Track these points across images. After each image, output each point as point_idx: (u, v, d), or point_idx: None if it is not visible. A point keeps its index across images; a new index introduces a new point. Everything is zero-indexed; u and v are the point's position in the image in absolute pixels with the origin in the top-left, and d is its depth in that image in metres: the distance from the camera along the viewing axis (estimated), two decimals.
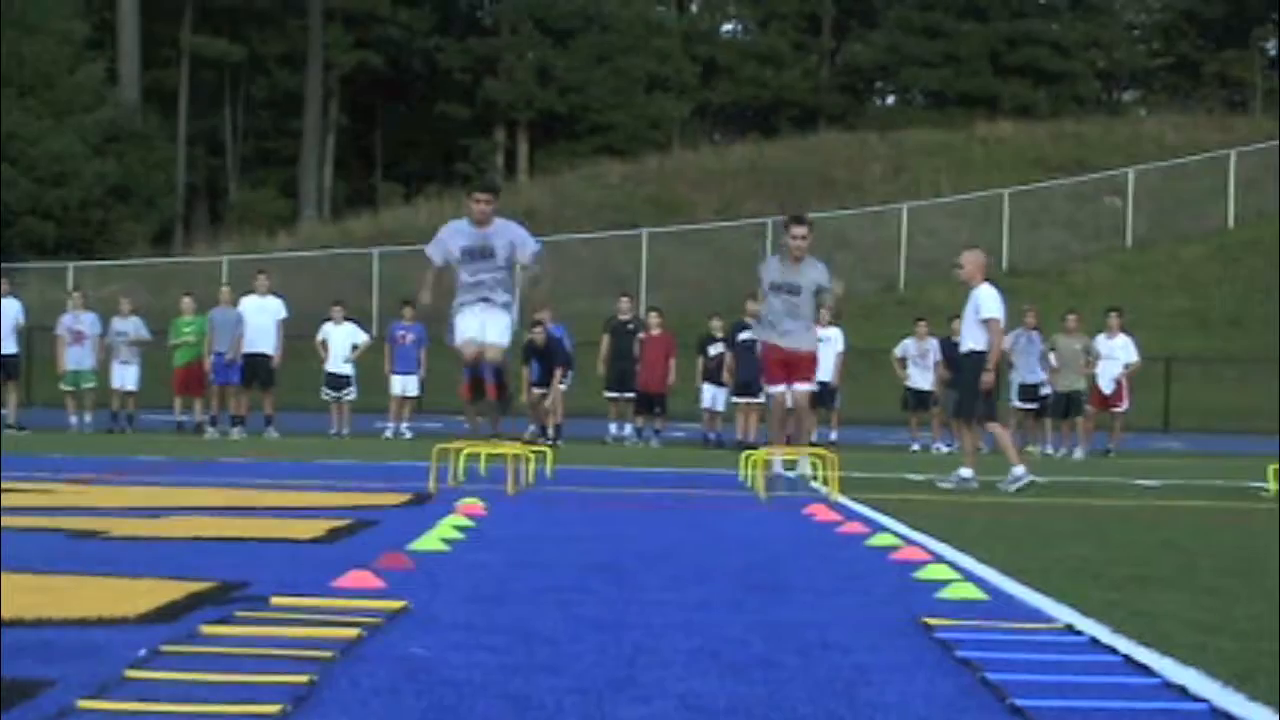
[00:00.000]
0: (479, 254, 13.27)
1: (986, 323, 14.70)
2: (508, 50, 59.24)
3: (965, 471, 14.73)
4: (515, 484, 13.10)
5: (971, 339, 14.84)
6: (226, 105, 59.44)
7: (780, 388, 14.54)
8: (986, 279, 14.91)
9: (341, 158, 60.40)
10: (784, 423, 14.63)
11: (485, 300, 13.29)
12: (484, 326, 13.28)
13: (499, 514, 10.54)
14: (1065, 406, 23.52)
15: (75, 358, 24.13)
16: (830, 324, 21.59)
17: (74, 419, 23.88)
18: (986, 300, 14.68)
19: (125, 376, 24.35)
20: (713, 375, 23.89)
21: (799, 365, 14.60)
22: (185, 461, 16.72)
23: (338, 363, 24.53)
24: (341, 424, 24.32)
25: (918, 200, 46.90)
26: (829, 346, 24.81)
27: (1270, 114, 57.30)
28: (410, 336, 24.56)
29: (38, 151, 47.90)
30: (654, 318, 24.74)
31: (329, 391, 24.60)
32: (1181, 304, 42.02)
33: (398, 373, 24.46)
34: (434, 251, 13.57)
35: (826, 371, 24.70)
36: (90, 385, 24.21)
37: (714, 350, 23.94)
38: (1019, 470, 14.60)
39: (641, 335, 24.15)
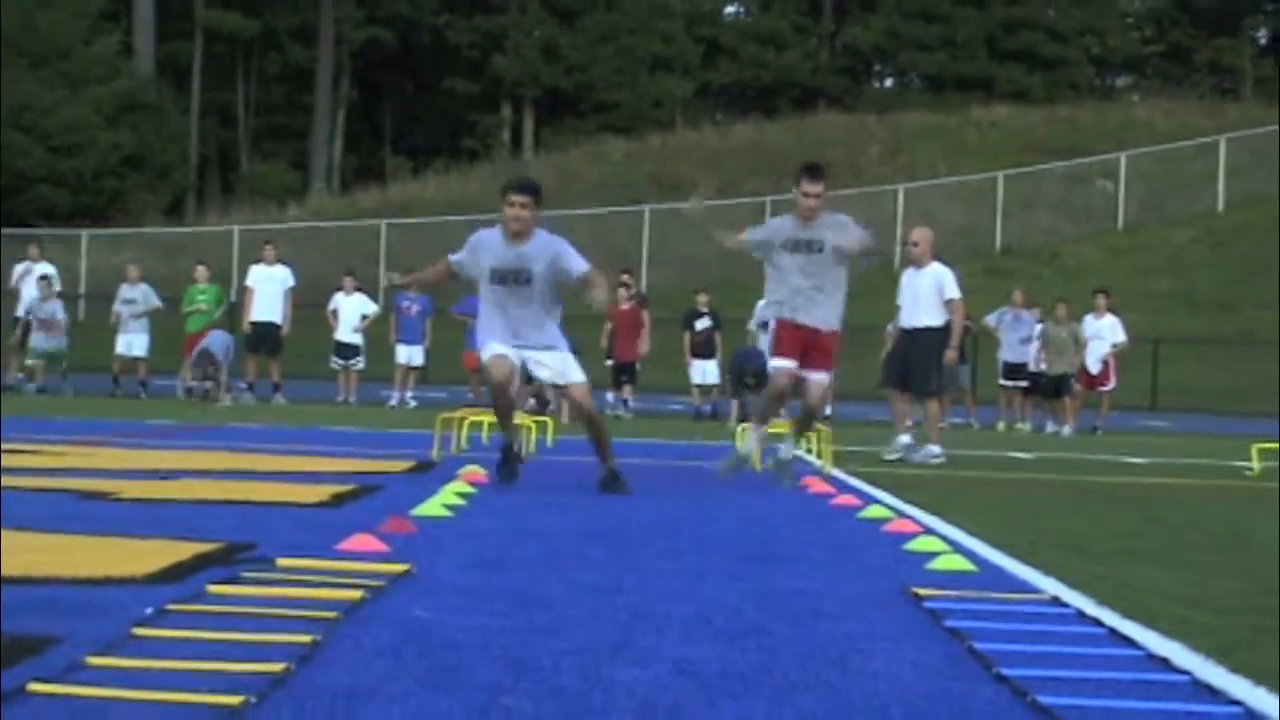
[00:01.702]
0: (511, 277, 10.23)
1: (950, 303, 14.79)
2: (515, 28, 59.16)
3: (934, 448, 14.63)
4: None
5: (929, 316, 14.82)
6: (239, 79, 59.35)
7: (787, 363, 11.53)
8: (935, 257, 15.00)
9: (351, 132, 60.29)
10: (780, 404, 12.02)
11: (521, 330, 10.35)
12: (538, 363, 10.49)
13: (498, 485, 10.54)
14: (1055, 388, 23.61)
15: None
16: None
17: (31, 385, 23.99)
18: (950, 281, 14.86)
19: (133, 343, 24.35)
20: (700, 350, 23.89)
21: (816, 348, 11.58)
22: (194, 425, 16.72)
23: (347, 332, 24.54)
24: (349, 392, 24.35)
25: (914, 182, 46.87)
26: None
27: (1260, 101, 57.26)
28: (415, 307, 24.56)
29: (52, 121, 47.84)
30: (623, 291, 24.74)
31: (338, 360, 24.61)
32: (1170, 286, 42.01)
33: (402, 342, 24.47)
34: (461, 259, 10.65)
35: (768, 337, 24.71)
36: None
37: (700, 325, 23.94)
38: (905, 439, 14.70)
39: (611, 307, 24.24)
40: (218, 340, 22.47)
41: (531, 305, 10.28)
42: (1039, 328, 24.12)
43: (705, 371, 23.95)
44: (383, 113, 62.54)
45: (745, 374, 19.72)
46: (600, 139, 53.91)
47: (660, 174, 49.77)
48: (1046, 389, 23.79)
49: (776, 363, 11.61)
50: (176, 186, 52.95)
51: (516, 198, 10.25)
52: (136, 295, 24.60)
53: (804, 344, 11.53)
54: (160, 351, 25.12)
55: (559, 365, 10.42)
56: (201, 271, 24.96)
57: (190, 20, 56.07)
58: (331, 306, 24.95)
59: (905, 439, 14.74)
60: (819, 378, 11.64)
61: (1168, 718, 3.93)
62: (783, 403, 12.02)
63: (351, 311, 24.68)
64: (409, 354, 24.54)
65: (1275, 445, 15.00)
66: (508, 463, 10.38)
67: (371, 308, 25.03)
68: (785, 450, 11.66)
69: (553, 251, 10.32)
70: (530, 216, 10.25)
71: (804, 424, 12.03)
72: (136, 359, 24.39)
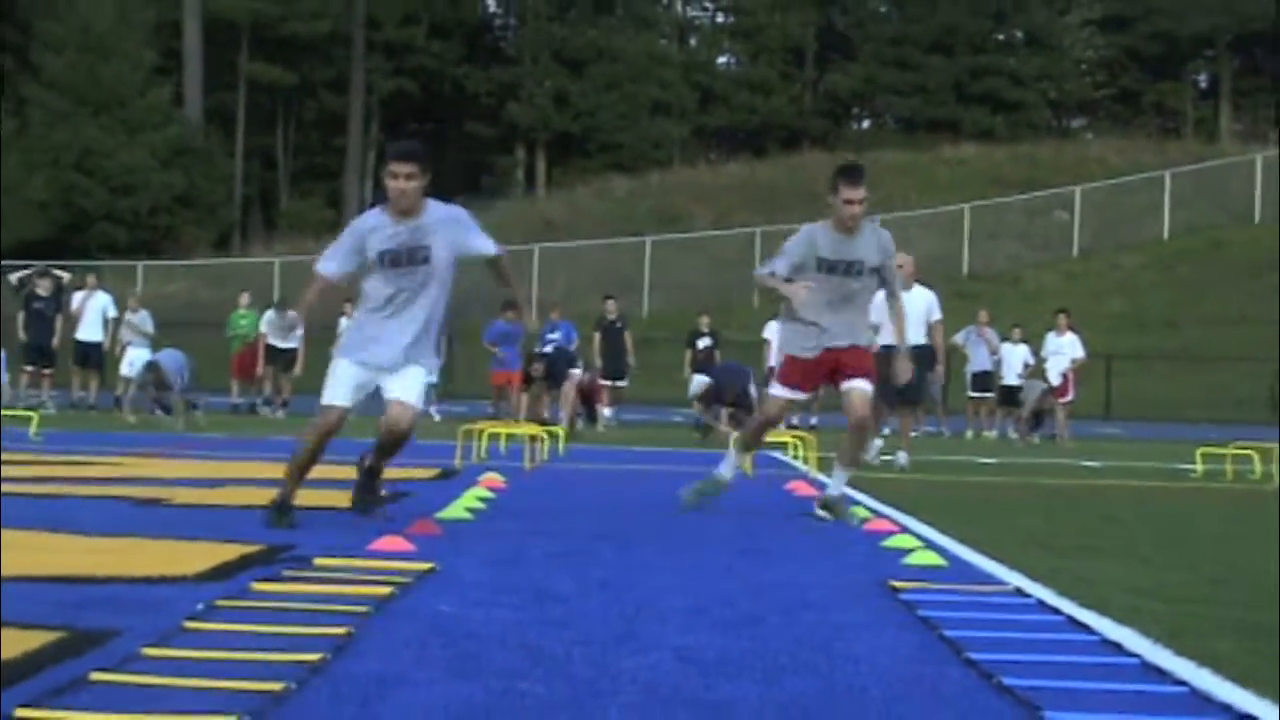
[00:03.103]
0: (405, 258, 7.76)
1: (936, 324, 14.72)
2: (528, 78, 59.22)
3: (902, 456, 14.45)
4: (532, 461, 13.08)
5: (916, 335, 14.64)
6: (279, 125, 59.39)
7: (791, 393, 9.18)
8: (917, 280, 14.91)
9: (380, 172, 60.22)
10: (765, 433, 9.94)
11: (397, 322, 7.79)
12: (382, 381, 7.79)
13: (517, 487, 10.54)
14: (1006, 396, 24.03)
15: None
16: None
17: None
18: (936, 304, 14.73)
19: (135, 363, 24.11)
20: (701, 366, 23.89)
21: (847, 358, 8.99)
22: (239, 438, 16.71)
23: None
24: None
25: (890, 213, 46.82)
26: None
27: (1200, 138, 57.27)
28: None
29: (112, 164, 47.92)
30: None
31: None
32: (1121, 307, 41.96)
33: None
34: (330, 265, 8.06)
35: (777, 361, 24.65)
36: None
37: (702, 344, 23.92)
38: (879, 443, 14.63)
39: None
40: (171, 359, 20.26)
41: (426, 291, 7.76)
42: (1005, 345, 24.33)
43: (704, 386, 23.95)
44: None
45: (725, 392, 19.53)
46: (606, 177, 53.94)
47: (660, 208, 49.76)
48: (1000, 396, 24.16)
49: (779, 390, 9.19)
50: (223, 222, 52.98)
51: (400, 167, 7.73)
52: (136, 321, 24.31)
53: (830, 365, 9.01)
54: (210, 369, 25.07)
55: (405, 382, 7.78)
56: (244, 298, 24.92)
57: (235, 73, 56.16)
58: (340, 330, 24.84)
59: (903, 457, 14.42)
60: (860, 385, 8.92)
61: (1120, 697, 3.93)
62: (768, 431, 9.92)
63: None
64: None
65: (1217, 449, 14.98)
66: (282, 516, 7.70)
67: None
68: (833, 487, 9.15)
69: (454, 222, 7.92)
70: (418, 187, 7.77)
71: (854, 447, 9.28)
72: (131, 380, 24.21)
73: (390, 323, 7.79)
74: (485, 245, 8.03)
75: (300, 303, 8.38)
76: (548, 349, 21.95)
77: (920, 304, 14.56)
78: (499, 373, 22.74)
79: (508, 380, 22.43)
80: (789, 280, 8.94)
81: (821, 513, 8.87)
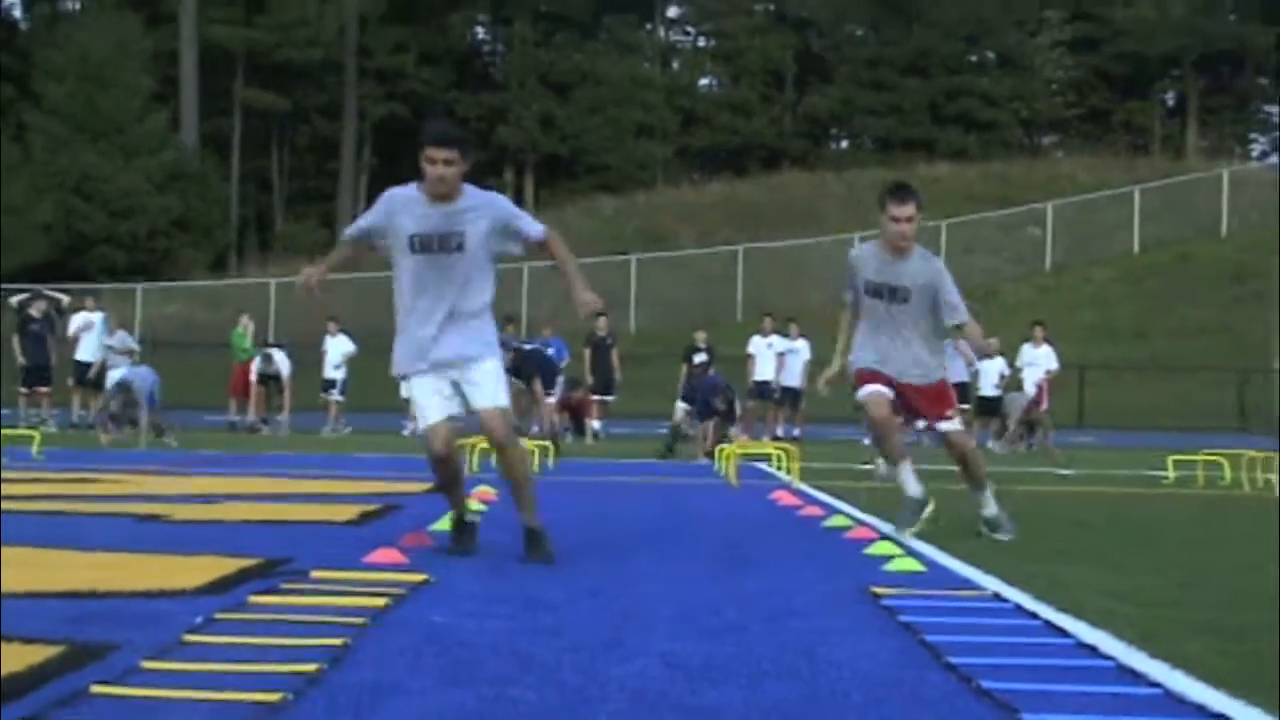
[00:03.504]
0: (437, 244, 6.88)
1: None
2: (516, 102, 59.27)
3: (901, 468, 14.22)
4: None
5: None
6: (274, 149, 59.35)
7: (877, 387, 8.34)
8: None
9: (373, 194, 60.22)
10: (891, 432, 8.53)
11: (439, 316, 6.91)
12: (458, 384, 6.96)
13: (508, 500, 10.50)
14: (984, 407, 24.04)
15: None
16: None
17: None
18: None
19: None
20: (689, 396, 23.86)
21: (923, 398, 8.43)
22: (237, 454, 16.68)
23: (329, 368, 24.33)
24: (334, 421, 23.80)
25: (868, 230, 46.90)
26: (797, 357, 24.83)
27: (1167, 155, 57.43)
28: None
29: (111, 189, 47.87)
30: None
31: (322, 394, 24.35)
32: (1093, 319, 42.04)
33: None
34: (353, 229, 7.39)
35: (795, 377, 24.69)
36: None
37: (698, 359, 23.92)
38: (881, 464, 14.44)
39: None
40: (142, 377, 19.76)
41: (460, 283, 6.89)
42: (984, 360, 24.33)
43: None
44: (401, 177, 62.33)
45: (715, 395, 19.38)
46: (592, 197, 53.98)
47: (645, 227, 49.80)
48: (978, 408, 24.12)
49: (866, 390, 8.34)
50: (219, 244, 52.91)
51: (438, 153, 6.81)
52: (114, 342, 24.12)
53: (907, 397, 8.39)
54: (204, 387, 25.03)
55: (484, 383, 6.96)
56: (244, 319, 24.90)
57: (230, 99, 56.12)
58: (323, 347, 24.78)
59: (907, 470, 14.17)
60: (951, 427, 8.44)
61: (1096, 699, 3.92)
62: (893, 430, 8.52)
63: (334, 351, 24.49)
64: None
65: (1188, 456, 15.00)
66: (461, 536, 7.34)
67: (351, 348, 24.58)
68: (987, 509, 8.52)
69: (494, 208, 7.00)
70: (458, 173, 6.87)
71: (972, 474, 8.59)
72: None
73: (431, 319, 6.90)
74: (530, 228, 7.00)
75: (321, 264, 7.43)
76: (526, 346, 21.70)
77: None
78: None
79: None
80: (848, 341, 8.60)
81: (986, 531, 8.44)
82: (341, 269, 7.66)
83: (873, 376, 8.34)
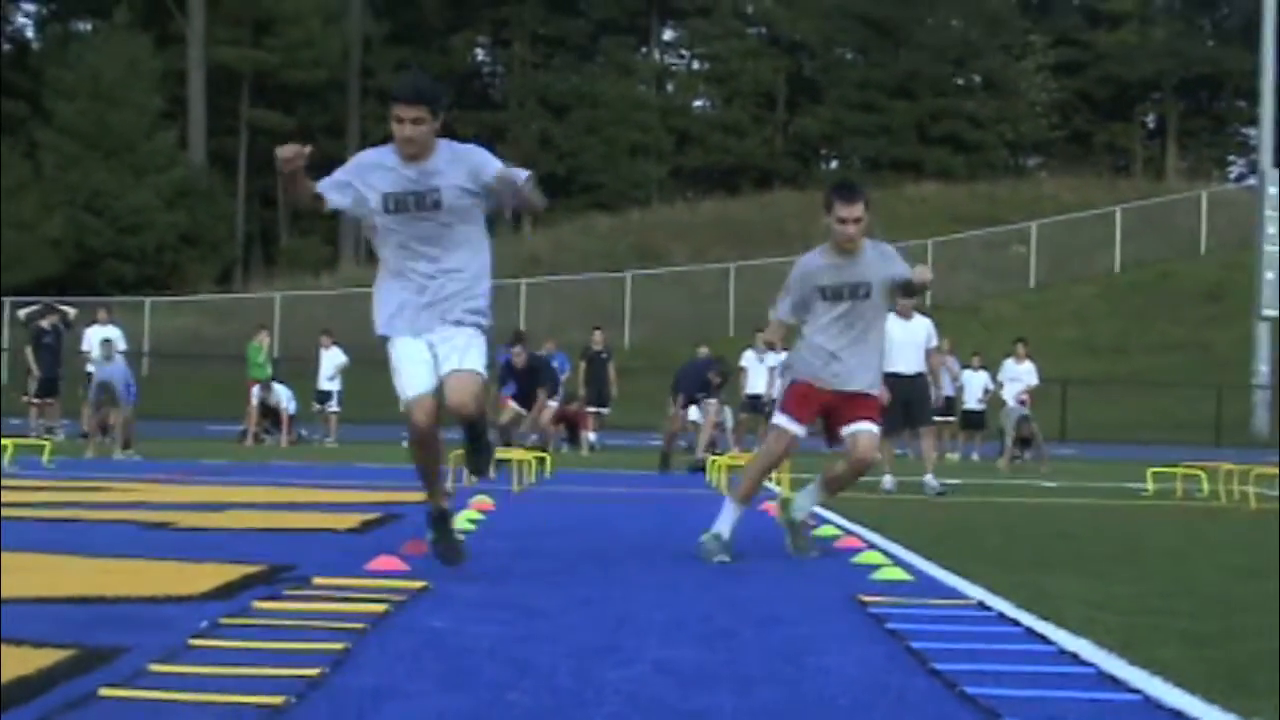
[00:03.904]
0: (412, 202, 6.32)
1: (932, 352, 14.59)
2: (515, 122, 59.35)
3: (930, 480, 13.95)
4: (520, 484, 13.07)
5: (919, 363, 14.32)
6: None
7: (793, 426, 7.78)
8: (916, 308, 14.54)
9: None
10: (767, 472, 8.19)
11: (422, 278, 6.34)
12: (436, 349, 6.32)
13: (506, 509, 10.52)
14: (968, 421, 24.17)
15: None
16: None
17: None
18: (934, 332, 14.49)
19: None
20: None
21: (855, 402, 7.79)
22: (243, 464, 16.66)
23: (324, 380, 24.28)
24: (329, 431, 23.77)
25: None
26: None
27: (1148, 176, 57.55)
28: None
29: (120, 205, 47.89)
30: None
31: (316, 405, 24.30)
32: (1075, 335, 42.08)
33: None
34: (336, 179, 6.54)
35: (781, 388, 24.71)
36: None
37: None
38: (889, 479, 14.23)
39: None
40: (118, 373, 19.47)
41: (442, 243, 6.32)
42: (966, 372, 24.43)
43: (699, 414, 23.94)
44: None
45: (709, 370, 19.03)
46: (588, 215, 54.00)
47: (639, 244, 49.81)
48: (962, 420, 24.29)
49: (782, 420, 7.80)
50: (226, 259, 52.92)
51: (406, 110, 6.22)
52: (86, 345, 23.98)
53: (836, 402, 7.79)
54: (213, 400, 25.00)
55: (459, 346, 6.29)
56: (262, 336, 24.83)
57: (236, 118, 56.15)
58: (319, 360, 24.75)
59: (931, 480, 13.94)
60: (868, 428, 7.77)
61: (1077, 705, 3.93)
62: (769, 471, 8.25)
63: (328, 363, 24.45)
64: None
65: (1167, 469, 15.01)
66: (442, 534, 6.55)
67: (343, 359, 24.50)
68: (799, 506, 8.17)
69: (471, 160, 6.38)
70: (429, 131, 6.27)
71: (844, 484, 8.12)
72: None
73: (412, 281, 6.32)
74: (515, 170, 6.30)
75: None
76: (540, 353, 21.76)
77: (920, 333, 14.27)
78: (506, 398, 22.72)
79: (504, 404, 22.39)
80: (796, 321, 7.87)
81: (784, 528, 8.02)
82: (310, 198, 6.45)
83: (803, 399, 7.75)
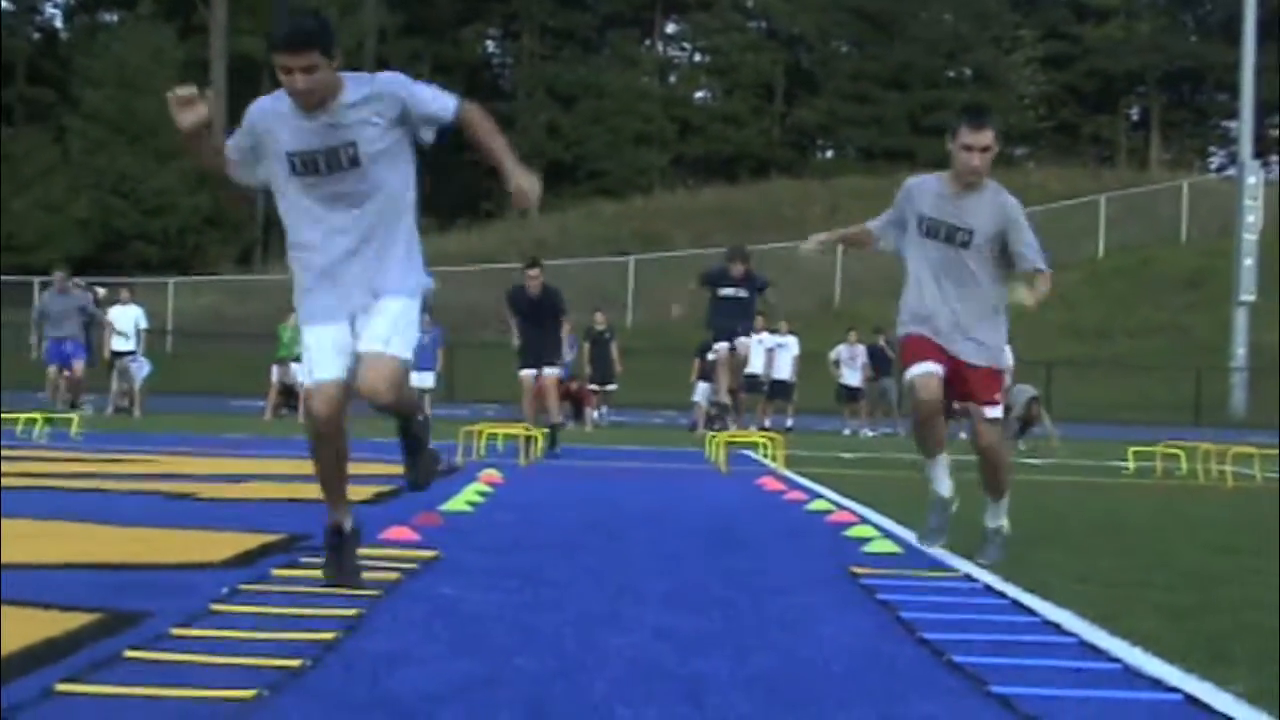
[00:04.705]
0: (322, 162, 5.01)
1: None
2: (523, 111, 59.26)
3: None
4: (527, 458, 13.07)
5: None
6: None
7: (930, 366, 6.36)
8: None
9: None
10: (934, 430, 6.57)
11: (355, 255, 5.04)
12: (356, 326, 5.06)
13: (514, 482, 10.53)
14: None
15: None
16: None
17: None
18: None
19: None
20: (707, 375, 23.88)
21: (971, 381, 6.48)
22: (263, 438, 16.68)
23: None
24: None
25: None
26: (786, 352, 24.83)
27: (1131, 166, 57.44)
28: (426, 339, 24.27)
29: (145, 188, 47.89)
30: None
31: None
32: (1060, 318, 42.03)
33: (415, 369, 23.98)
34: (234, 144, 5.25)
35: (785, 371, 24.72)
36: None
37: (711, 356, 23.92)
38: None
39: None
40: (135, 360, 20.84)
41: (362, 204, 4.99)
42: None
43: (707, 393, 23.96)
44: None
45: (729, 264, 18.19)
46: (593, 201, 53.95)
47: (642, 230, 49.78)
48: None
49: (916, 369, 6.37)
50: (246, 241, 52.92)
51: (293, 60, 4.86)
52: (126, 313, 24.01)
53: (950, 364, 6.41)
54: (236, 377, 24.99)
55: (381, 322, 5.00)
56: (294, 318, 24.78)
57: None
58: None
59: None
60: (978, 412, 6.53)
61: (1060, 672, 3.94)
62: (939, 418, 6.54)
63: None
64: (421, 378, 24.19)
65: (1147, 448, 15.01)
66: (336, 558, 5.15)
67: None
68: (999, 520, 6.75)
69: (387, 98, 4.99)
70: (325, 78, 4.91)
71: (990, 477, 6.77)
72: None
73: (329, 254, 5.00)
74: (440, 108, 5.06)
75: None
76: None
77: None
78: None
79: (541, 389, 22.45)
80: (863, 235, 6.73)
81: (984, 543, 6.63)
82: (209, 151, 5.26)
83: (921, 347, 6.37)
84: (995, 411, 6.58)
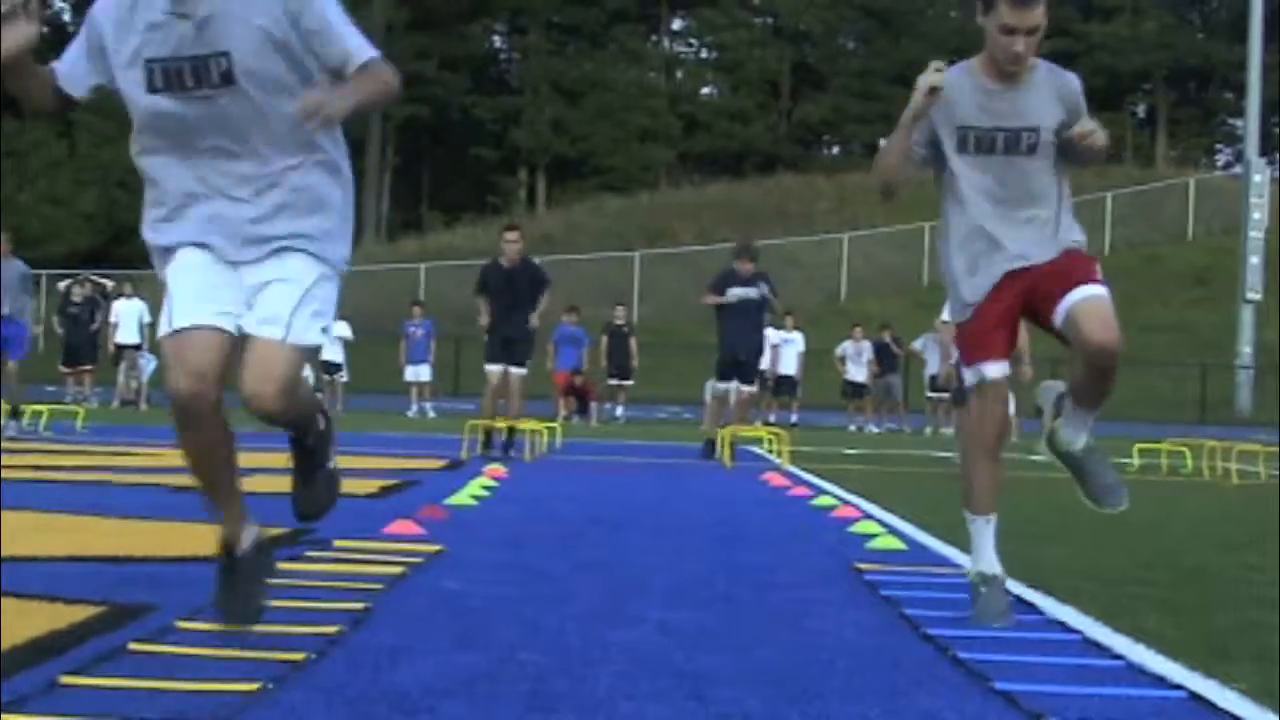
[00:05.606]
0: (189, 75, 3.65)
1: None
2: (530, 107, 59.24)
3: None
4: (532, 453, 13.07)
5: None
6: None
7: (995, 365, 4.84)
8: None
9: (395, 191, 60.23)
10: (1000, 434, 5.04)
11: (239, 200, 3.79)
12: (233, 300, 3.82)
13: (518, 477, 10.54)
14: (962, 396, 23.93)
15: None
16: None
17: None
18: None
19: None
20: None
21: (1052, 275, 4.81)
22: (267, 431, 16.66)
23: (330, 351, 24.17)
24: (337, 400, 23.55)
25: (856, 230, 46.86)
26: (791, 347, 24.83)
27: (1138, 164, 57.34)
28: (420, 332, 24.26)
29: None
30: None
31: (325, 375, 24.15)
32: None
33: (411, 362, 24.03)
34: (71, 57, 3.83)
35: (790, 366, 24.72)
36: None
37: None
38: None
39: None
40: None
41: (245, 129, 3.78)
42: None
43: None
44: (421, 175, 62.49)
45: (735, 263, 17.64)
46: (599, 197, 53.95)
47: (648, 225, 49.76)
48: (955, 397, 24.13)
49: (989, 369, 4.88)
50: None
51: None
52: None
53: (1024, 289, 4.81)
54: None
55: (279, 293, 3.87)
56: None
57: None
58: None
59: None
60: (1092, 291, 4.94)
61: (1063, 669, 3.94)
62: (996, 458, 5.14)
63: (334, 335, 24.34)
64: (416, 371, 24.17)
65: (1152, 445, 14.99)
66: (230, 582, 3.95)
67: (348, 332, 24.20)
68: (1070, 432, 5.39)
69: (293, 7, 3.70)
70: None
71: (1097, 384, 5.22)
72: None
73: (213, 199, 3.87)
74: (361, 49, 3.94)
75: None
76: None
77: None
78: (562, 373, 22.86)
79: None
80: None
81: (1046, 453, 5.45)
82: (51, 96, 3.97)
83: (986, 337, 4.82)
84: (1098, 288, 4.87)
